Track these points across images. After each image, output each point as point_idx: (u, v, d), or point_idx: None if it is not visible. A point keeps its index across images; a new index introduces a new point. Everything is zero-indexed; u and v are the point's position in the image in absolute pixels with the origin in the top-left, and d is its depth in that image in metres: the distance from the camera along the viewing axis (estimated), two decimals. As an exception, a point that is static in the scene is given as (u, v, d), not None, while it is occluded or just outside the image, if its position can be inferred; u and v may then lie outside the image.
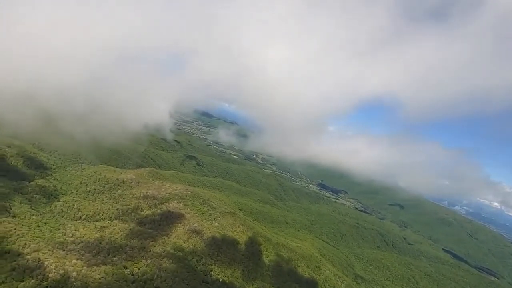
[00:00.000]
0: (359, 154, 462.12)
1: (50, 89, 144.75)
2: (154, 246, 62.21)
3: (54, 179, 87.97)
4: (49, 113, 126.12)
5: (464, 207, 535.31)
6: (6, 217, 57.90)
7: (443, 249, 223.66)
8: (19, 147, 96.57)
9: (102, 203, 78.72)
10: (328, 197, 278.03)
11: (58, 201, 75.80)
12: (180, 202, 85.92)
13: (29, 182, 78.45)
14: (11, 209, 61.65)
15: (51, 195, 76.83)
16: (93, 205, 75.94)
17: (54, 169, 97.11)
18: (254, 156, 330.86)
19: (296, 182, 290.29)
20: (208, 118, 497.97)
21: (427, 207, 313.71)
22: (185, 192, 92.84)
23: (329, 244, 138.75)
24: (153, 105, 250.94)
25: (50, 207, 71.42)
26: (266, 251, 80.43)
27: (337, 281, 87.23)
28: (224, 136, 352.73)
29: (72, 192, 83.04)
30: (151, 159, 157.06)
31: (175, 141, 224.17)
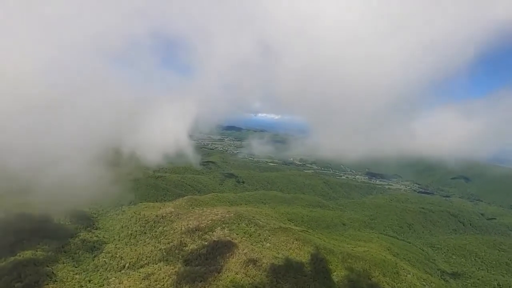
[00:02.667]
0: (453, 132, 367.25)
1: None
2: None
3: (96, 229, 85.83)
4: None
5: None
6: (47, 283, 54.39)
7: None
8: (60, 202, 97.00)
9: (144, 245, 73.84)
10: (380, 185, 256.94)
11: (101, 251, 72.32)
12: (224, 228, 78.65)
13: (72, 238, 76.32)
14: (53, 273, 58.37)
15: (94, 247, 73.69)
16: (135, 250, 71.20)
17: (96, 217, 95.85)
18: (291, 159, 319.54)
19: (341, 176, 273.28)
20: (237, 132, 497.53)
21: (496, 172, 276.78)
22: (227, 215, 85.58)
23: (398, 239, 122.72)
24: (167, 129, 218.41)
25: (94, 260, 67.79)
26: (331, 265, 69.56)
27: (424, 285, 73.20)
28: (258, 146, 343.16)
29: (114, 239, 79.67)
30: (189, 185, 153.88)
31: (210, 162, 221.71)
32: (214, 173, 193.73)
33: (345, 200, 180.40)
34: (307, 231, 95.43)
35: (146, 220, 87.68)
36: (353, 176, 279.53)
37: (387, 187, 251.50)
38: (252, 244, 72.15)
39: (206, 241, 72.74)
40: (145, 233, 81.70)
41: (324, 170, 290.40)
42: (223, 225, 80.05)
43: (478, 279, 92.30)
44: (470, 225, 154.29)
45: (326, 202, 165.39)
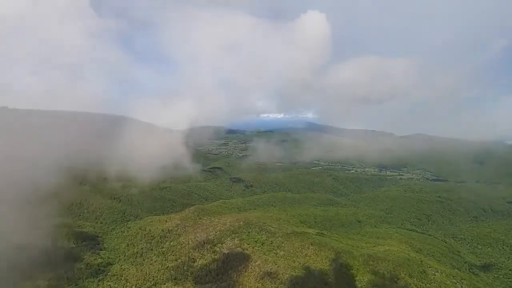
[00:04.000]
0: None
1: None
2: (218, 307, 50.22)
3: (101, 249, 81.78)
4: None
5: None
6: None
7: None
8: (64, 223, 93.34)
9: (151, 263, 69.52)
10: (391, 176, 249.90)
11: (107, 274, 68.20)
12: (234, 238, 74.00)
13: (76, 262, 72.39)
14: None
15: (99, 270, 69.58)
16: (141, 270, 66.93)
17: (101, 236, 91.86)
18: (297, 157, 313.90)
19: (350, 170, 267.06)
20: (241, 135, 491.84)
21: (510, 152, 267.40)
22: (236, 223, 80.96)
23: (418, 232, 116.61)
24: (157, 140, 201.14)
25: (98, 286, 63.65)
26: (353, 269, 64.38)
27: (455, 282, 67.45)
28: (264, 147, 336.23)
29: (120, 259, 75.54)
30: (196, 194, 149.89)
31: (216, 167, 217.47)
32: (220, 179, 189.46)
33: (357, 195, 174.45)
34: (322, 233, 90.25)
35: (152, 236, 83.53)
36: (362, 169, 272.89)
37: (398, 177, 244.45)
38: (265, 254, 67.35)
39: (216, 254, 68.17)
40: (152, 249, 77.48)
41: (332, 165, 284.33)
42: (233, 235, 75.41)
43: (510, 270, 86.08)
44: (491, 210, 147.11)
45: (338, 199, 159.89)
